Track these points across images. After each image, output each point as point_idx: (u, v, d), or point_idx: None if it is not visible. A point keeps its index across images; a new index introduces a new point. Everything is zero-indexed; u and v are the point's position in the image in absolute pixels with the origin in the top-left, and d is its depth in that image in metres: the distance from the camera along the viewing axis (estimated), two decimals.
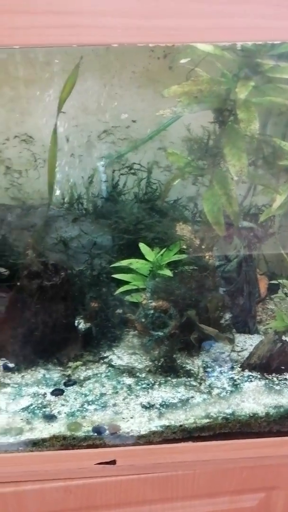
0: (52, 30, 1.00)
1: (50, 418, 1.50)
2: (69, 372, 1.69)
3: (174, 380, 1.64)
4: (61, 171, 1.93)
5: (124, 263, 1.82)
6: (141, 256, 1.82)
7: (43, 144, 1.96)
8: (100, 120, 1.95)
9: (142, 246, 1.83)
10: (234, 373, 1.68)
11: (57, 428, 1.47)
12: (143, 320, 1.73)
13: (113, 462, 1.48)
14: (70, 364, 1.72)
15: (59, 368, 1.71)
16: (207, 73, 1.52)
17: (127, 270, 1.82)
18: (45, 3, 1.00)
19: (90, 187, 1.97)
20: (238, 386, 1.63)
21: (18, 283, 1.63)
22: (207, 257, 1.80)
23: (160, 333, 1.70)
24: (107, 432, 1.47)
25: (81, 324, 1.85)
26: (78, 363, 1.72)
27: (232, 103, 1.50)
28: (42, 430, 1.47)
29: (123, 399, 1.57)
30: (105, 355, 1.75)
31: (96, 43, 1.09)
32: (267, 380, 1.65)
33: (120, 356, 1.75)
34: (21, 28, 0.98)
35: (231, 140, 1.50)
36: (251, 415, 1.53)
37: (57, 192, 1.95)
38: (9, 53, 1.75)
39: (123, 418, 1.50)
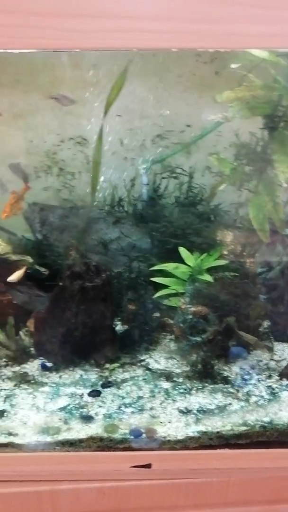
0: (109, 34, 1.01)
1: (87, 419, 1.51)
2: (106, 373, 1.69)
3: (211, 386, 1.64)
4: (106, 173, 1.94)
5: (163, 266, 1.82)
6: (180, 260, 1.82)
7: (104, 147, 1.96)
8: (154, 124, 1.95)
9: (182, 250, 1.82)
10: (272, 382, 1.67)
11: (94, 429, 1.48)
12: (181, 325, 1.72)
13: (148, 466, 1.47)
14: (107, 365, 1.73)
15: (96, 369, 1.72)
16: (257, 78, 1.51)
17: (166, 273, 1.82)
18: (102, 7, 1.01)
19: (132, 190, 1.97)
20: (276, 395, 1.62)
21: (60, 283, 1.64)
22: (248, 263, 1.79)
23: (198, 339, 1.69)
24: (144, 435, 1.47)
25: (118, 326, 1.85)
26: (116, 365, 1.72)
27: (284, 110, 1.49)
28: (79, 430, 1.48)
29: (160, 403, 1.57)
30: (142, 358, 1.76)
31: (152, 48, 1.09)
32: None
33: (157, 360, 1.75)
34: (79, 32, 0.99)
35: (280, 147, 1.48)
36: None
37: (100, 194, 1.96)
38: (69, 56, 1.76)
39: (161, 422, 1.50)
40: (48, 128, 1.94)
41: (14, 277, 1.78)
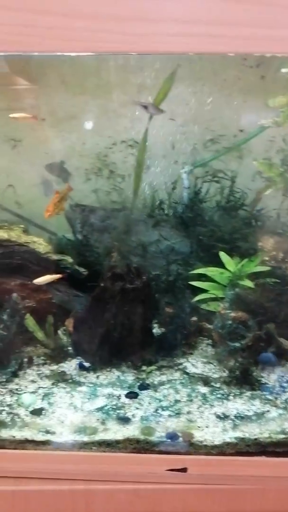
0: (166, 38, 1.01)
1: (124, 420, 1.51)
2: (143, 375, 1.69)
3: (249, 392, 1.63)
4: (149, 175, 1.94)
5: (202, 270, 1.81)
6: (220, 264, 1.81)
7: (149, 150, 1.97)
8: (203, 128, 1.95)
9: (223, 255, 1.81)
10: None
11: (131, 431, 1.48)
12: (220, 330, 1.72)
13: (184, 470, 1.47)
14: (144, 367, 1.73)
15: (133, 370, 1.72)
16: None
17: (205, 278, 1.82)
18: (158, 11, 1.01)
19: (172, 193, 1.97)
20: None
21: (102, 284, 1.65)
22: None
23: (237, 344, 1.68)
24: (180, 439, 1.47)
25: (155, 329, 1.85)
26: (153, 367, 1.72)
27: None
28: (116, 431, 1.48)
29: (197, 408, 1.56)
30: (179, 362, 1.75)
31: (209, 52, 1.09)
32: None
33: (194, 364, 1.75)
34: (136, 35, 0.99)
35: None
36: None
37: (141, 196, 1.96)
38: (115, 60, 1.77)
39: (199, 427, 1.49)
40: (102, 131, 1.95)
41: (42, 280, 1.78)
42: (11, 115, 1.75)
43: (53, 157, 1.97)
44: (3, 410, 1.55)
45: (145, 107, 1.67)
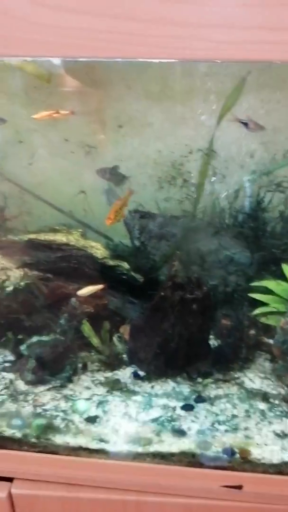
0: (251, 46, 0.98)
1: (179, 433, 1.48)
2: (199, 388, 1.66)
3: None
4: (214, 183, 1.91)
5: (263, 283, 1.77)
6: (282, 277, 1.76)
7: (226, 159, 1.95)
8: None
9: (285, 268, 1.77)
10: None
11: (187, 444, 1.45)
12: (280, 345, 1.67)
13: (239, 487, 1.43)
14: (199, 379, 1.70)
15: (188, 382, 1.69)
16: None
17: (265, 290, 1.77)
18: (243, 18, 0.99)
19: (234, 202, 1.93)
20: None
21: (162, 293, 1.63)
22: None
23: None
24: (237, 455, 1.43)
25: (212, 341, 1.82)
26: (209, 380, 1.69)
27: None
28: (171, 444, 1.45)
29: (255, 424, 1.52)
30: (236, 376, 1.71)
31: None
32: None
33: (252, 379, 1.71)
34: (219, 43, 0.97)
35: None
36: None
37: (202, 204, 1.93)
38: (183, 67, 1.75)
39: (257, 444, 1.45)
40: (178, 139, 1.93)
41: (84, 291, 1.77)
42: (43, 113, 1.75)
43: (126, 164, 1.96)
44: (58, 415, 1.55)
45: (245, 124, 1.64)
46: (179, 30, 0.97)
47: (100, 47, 1.00)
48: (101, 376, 1.73)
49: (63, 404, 1.60)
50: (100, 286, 1.80)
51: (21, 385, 1.68)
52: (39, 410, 1.57)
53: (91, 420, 1.53)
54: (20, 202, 2.09)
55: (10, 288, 1.93)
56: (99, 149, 2.01)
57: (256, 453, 1.43)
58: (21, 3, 0.99)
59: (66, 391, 1.66)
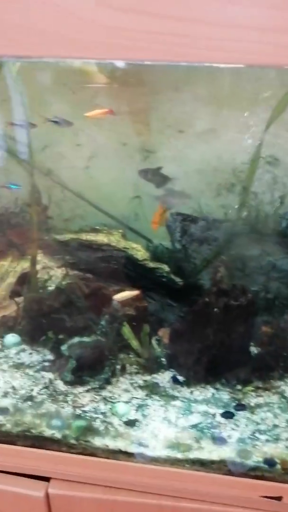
0: None
1: (219, 440, 1.47)
2: (240, 395, 1.64)
3: None
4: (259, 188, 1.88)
5: None
6: None
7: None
8: None
9: None
10: None
11: (227, 452, 1.43)
12: None
13: (279, 498, 1.41)
14: (239, 387, 1.68)
15: (227, 389, 1.67)
16: None
17: None
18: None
19: (281, 207, 1.90)
20: None
21: (206, 299, 1.61)
22: None
23: None
24: (279, 466, 1.41)
25: (252, 347, 1.80)
26: (249, 388, 1.67)
27: None
28: (211, 451, 1.44)
29: None
30: (276, 384, 1.69)
31: None
32: None
33: None
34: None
35: None
36: None
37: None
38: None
39: None
40: (241, 146, 1.91)
41: (120, 296, 1.76)
42: (86, 114, 1.74)
43: (185, 170, 1.95)
44: (97, 417, 1.55)
45: None
46: (234, 32, 0.95)
47: (164, 50, 0.99)
48: (139, 379, 1.72)
49: (102, 406, 1.59)
50: (135, 292, 1.79)
51: (60, 385, 1.69)
52: (78, 411, 1.58)
53: (130, 423, 1.52)
54: (62, 201, 2.10)
55: (51, 287, 1.94)
56: (157, 153, 2.00)
57: None
58: (87, 4, 0.99)
59: (105, 393, 1.65)
